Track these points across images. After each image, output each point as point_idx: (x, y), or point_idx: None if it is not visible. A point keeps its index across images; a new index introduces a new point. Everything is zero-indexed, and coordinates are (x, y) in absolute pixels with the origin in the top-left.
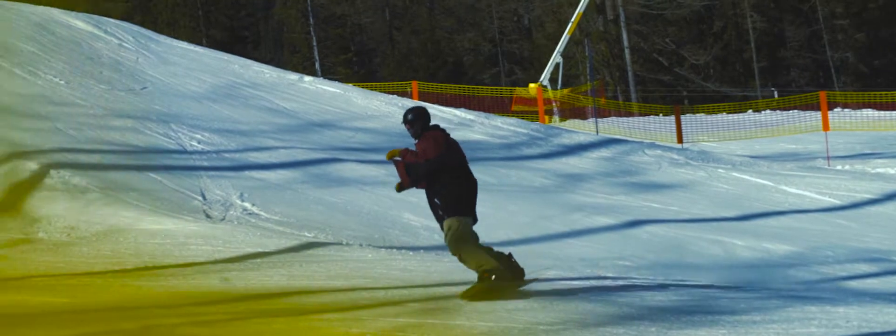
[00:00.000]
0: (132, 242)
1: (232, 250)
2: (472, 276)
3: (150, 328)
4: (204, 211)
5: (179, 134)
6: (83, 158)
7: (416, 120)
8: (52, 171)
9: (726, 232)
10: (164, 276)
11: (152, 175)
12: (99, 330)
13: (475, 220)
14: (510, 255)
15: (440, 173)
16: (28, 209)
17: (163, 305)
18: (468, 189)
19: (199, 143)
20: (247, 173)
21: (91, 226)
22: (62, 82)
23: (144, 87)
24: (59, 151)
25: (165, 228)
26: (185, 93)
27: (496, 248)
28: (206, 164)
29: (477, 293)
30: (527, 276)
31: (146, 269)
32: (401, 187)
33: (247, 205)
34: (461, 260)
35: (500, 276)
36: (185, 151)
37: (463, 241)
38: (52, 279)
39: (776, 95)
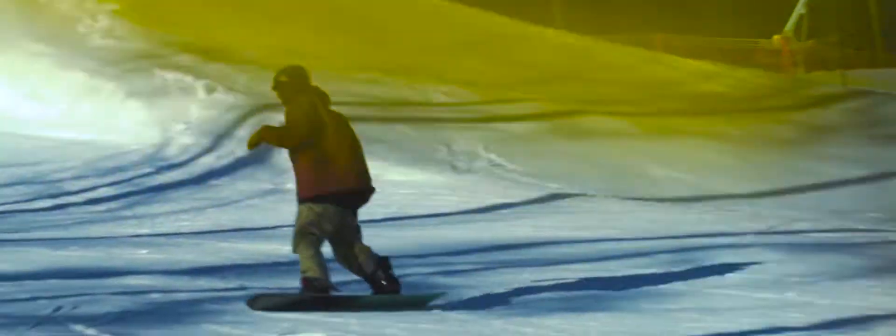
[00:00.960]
0: (379, 193)
1: (477, 201)
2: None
3: (401, 277)
4: (449, 162)
5: (424, 86)
6: None
7: (290, 82)
8: None
9: None
10: (412, 226)
11: (398, 127)
12: (350, 279)
13: (344, 210)
14: (386, 260)
15: (303, 148)
16: (277, 160)
17: (412, 255)
18: (336, 171)
19: (443, 94)
20: (491, 125)
21: None
22: (308, 35)
23: (389, 40)
24: None
25: (412, 180)
26: (430, 45)
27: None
28: (450, 115)
29: (277, 304)
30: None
31: (394, 219)
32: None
33: (492, 156)
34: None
35: (319, 289)
36: (429, 103)
37: (302, 236)
38: None
39: None
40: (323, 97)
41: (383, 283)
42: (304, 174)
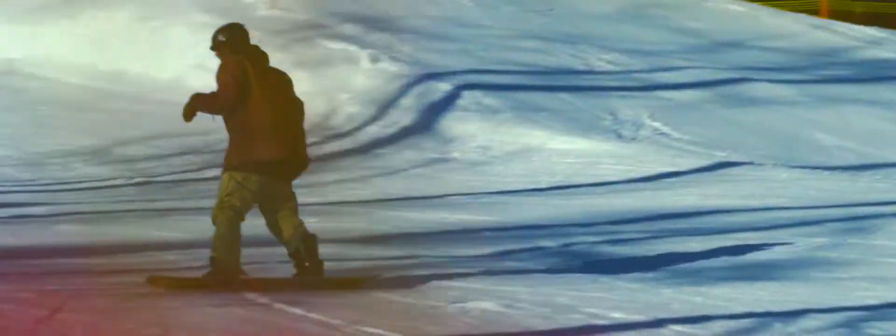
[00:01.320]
0: (545, 161)
1: (644, 170)
2: None
3: (569, 246)
4: (615, 131)
5: (587, 54)
6: (493, 79)
7: (227, 42)
8: (464, 92)
9: None
10: (578, 194)
11: (562, 95)
12: (518, 248)
13: (271, 179)
14: (313, 240)
15: (233, 111)
16: (442, 129)
17: (579, 223)
18: (260, 138)
19: (607, 63)
20: (656, 93)
21: (503, 145)
22: (471, 4)
23: (552, 9)
24: (469, 73)
25: (577, 148)
26: (593, 13)
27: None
28: (614, 84)
29: (181, 285)
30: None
31: (560, 187)
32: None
33: (657, 124)
34: None
35: (222, 272)
36: (593, 72)
37: (221, 210)
38: (468, 197)
39: None
40: (259, 58)
41: (306, 264)
42: (231, 140)
